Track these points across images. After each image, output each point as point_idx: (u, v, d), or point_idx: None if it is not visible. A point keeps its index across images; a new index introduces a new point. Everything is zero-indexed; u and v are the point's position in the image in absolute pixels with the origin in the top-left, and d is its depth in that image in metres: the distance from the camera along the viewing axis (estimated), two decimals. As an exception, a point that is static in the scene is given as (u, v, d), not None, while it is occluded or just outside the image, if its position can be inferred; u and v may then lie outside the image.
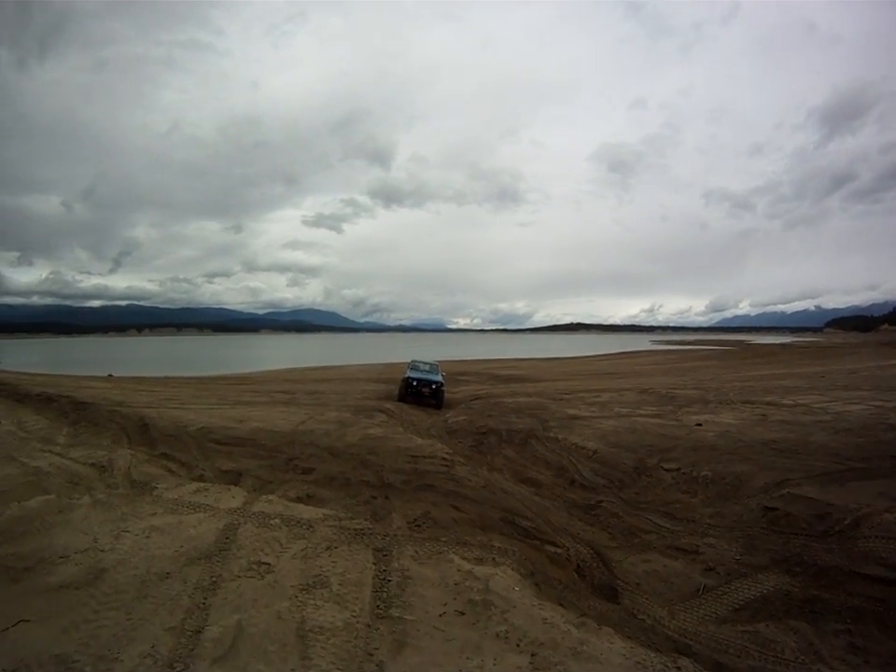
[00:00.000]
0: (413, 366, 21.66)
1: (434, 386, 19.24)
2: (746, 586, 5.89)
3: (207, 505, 6.13)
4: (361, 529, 5.61)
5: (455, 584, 4.43)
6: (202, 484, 7.13)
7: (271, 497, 6.67)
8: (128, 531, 5.12)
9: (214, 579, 4.29)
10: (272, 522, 5.61)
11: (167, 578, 4.29)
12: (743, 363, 47.59)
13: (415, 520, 6.35)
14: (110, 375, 31.09)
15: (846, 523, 6.52)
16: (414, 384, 19.34)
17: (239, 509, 6.04)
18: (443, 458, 9.66)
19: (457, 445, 12.69)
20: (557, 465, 10.57)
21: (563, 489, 9.47)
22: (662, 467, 9.44)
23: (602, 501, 8.60)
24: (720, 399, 17.09)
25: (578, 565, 6.38)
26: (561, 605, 4.60)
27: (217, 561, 4.61)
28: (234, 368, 48.27)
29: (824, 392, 18.02)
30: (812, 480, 7.94)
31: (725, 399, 16.83)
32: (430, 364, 22.48)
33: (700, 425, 12.38)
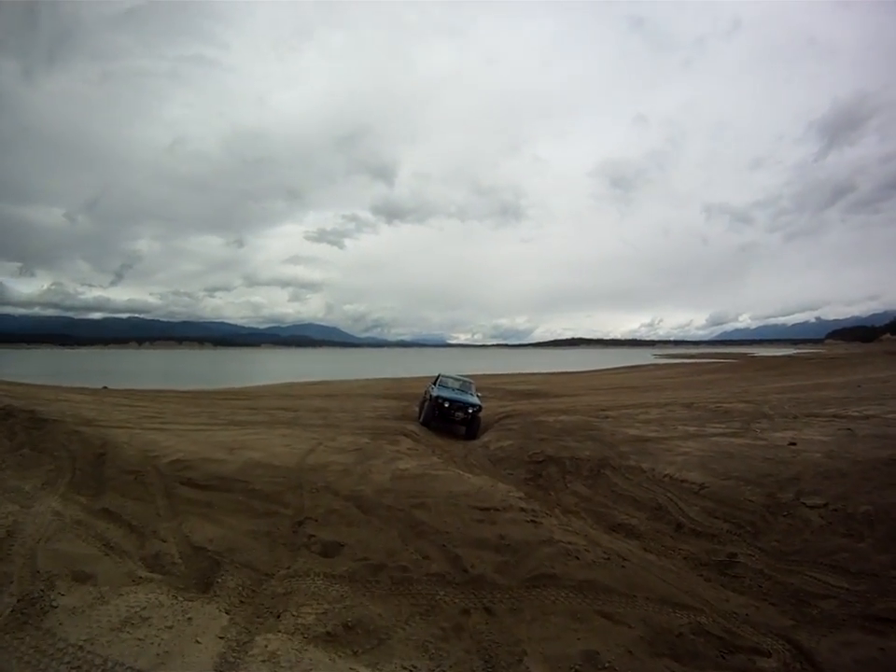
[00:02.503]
0: (442, 382, 17.30)
1: (471, 411, 15.42)
2: None
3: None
4: None
5: None
6: (143, 596, 4.16)
7: (271, 636, 3.67)
8: None
9: None
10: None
11: None
12: (759, 375, 45.49)
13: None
14: (105, 387, 28.73)
15: None
16: (446, 405, 15.41)
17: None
18: (522, 509, 6.83)
19: (508, 478, 9.92)
20: (651, 504, 7.99)
21: (671, 538, 6.97)
22: (803, 503, 7.11)
23: (737, 555, 6.32)
24: (779, 413, 14.36)
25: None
26: None
27: None
28: (233, 382, 46.00)
29: (882, 402, 15.56)
30: None
31: (786, 413, 14.15)
32: (462, 380, 18.23)
33: (794, 444, 9.84)
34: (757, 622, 4.94)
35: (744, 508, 7.31)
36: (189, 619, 3.87)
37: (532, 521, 6.35)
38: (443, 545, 5.55)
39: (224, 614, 4.02)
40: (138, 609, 3.91)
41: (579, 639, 4.04)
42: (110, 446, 8.92)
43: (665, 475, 8.79)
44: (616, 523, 7.54)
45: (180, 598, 4.21)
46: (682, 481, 8.43)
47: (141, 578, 4.51)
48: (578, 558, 5.40)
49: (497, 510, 6.68)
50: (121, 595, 4.14)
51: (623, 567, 5.45)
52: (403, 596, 4.60)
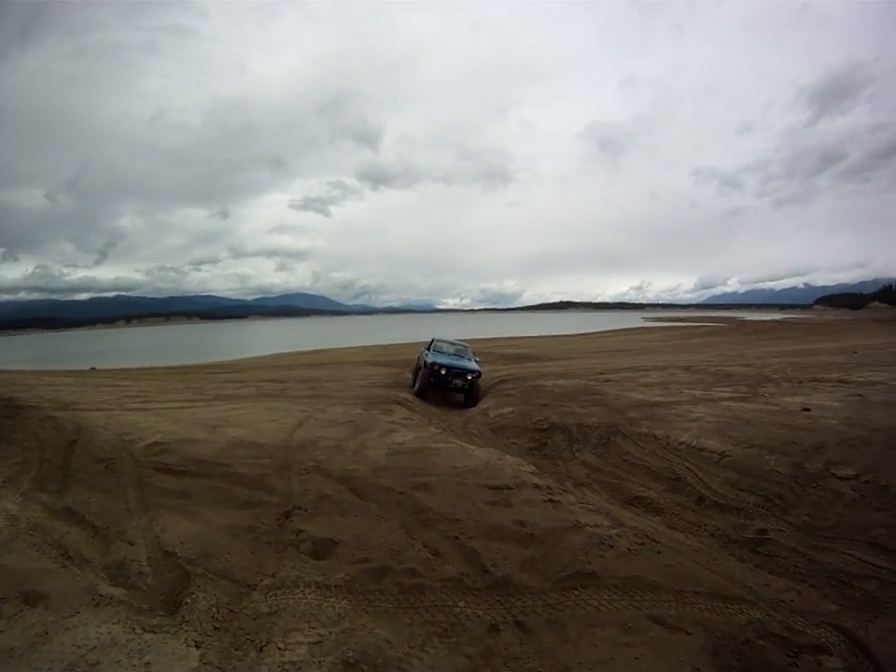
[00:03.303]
0: (437, 347, 16.08)
1: (470, 377, 14.35)
2: None
3: None
4: None
5: None
6: (93, 629, 3.36)
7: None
8: None
9: None
10: None
11: None
12: (751, 339, 45.28)
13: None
14: (93, 368, 28.25)
15: None
16: (442, 372, 14.28)
17: None
18: (536, 485, 6.16)
19: (511, 448, 9.33)
20: (668, 474, 7.36)
21: (693, 513, 6.36)
22: (833, 474, 6.46)
23: (767, 531, 5.74)
24: (783, 377, 13.83)
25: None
26: None
27: None
28: (221, 355, 45.39)
29: (884, 368, 15.12)
30: None
31: (789, 377, 13.63)
32: (458, 345, 16.97)
33: (808, 409, 9.29)
34: (803, 608, 4.41)
35: (770, 479, 6.72)
36: (147, 664, 3.06)
37: (550, 500, 5.67)
38: (455, 537, 4.81)
39: (193, 649, 3.22)
40: (86, 651, 3.12)
41: (637, 659, 3.32)
42: (84, 431, 8.20)
43: (681, 443, 8.18)
44: (633, 496, 6.98)
45: (138, 630, 3.41)
46: (700, 449, 7.82)
47: (101, 596, 3.77)
48: (612, 547, 4.70)
49: (510, 488, 6.00)
50: (68, 628, 3.35)
51: (658, 552, 4.79)
52: (415, 611, 3.78)
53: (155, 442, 7.58)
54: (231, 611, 3.70)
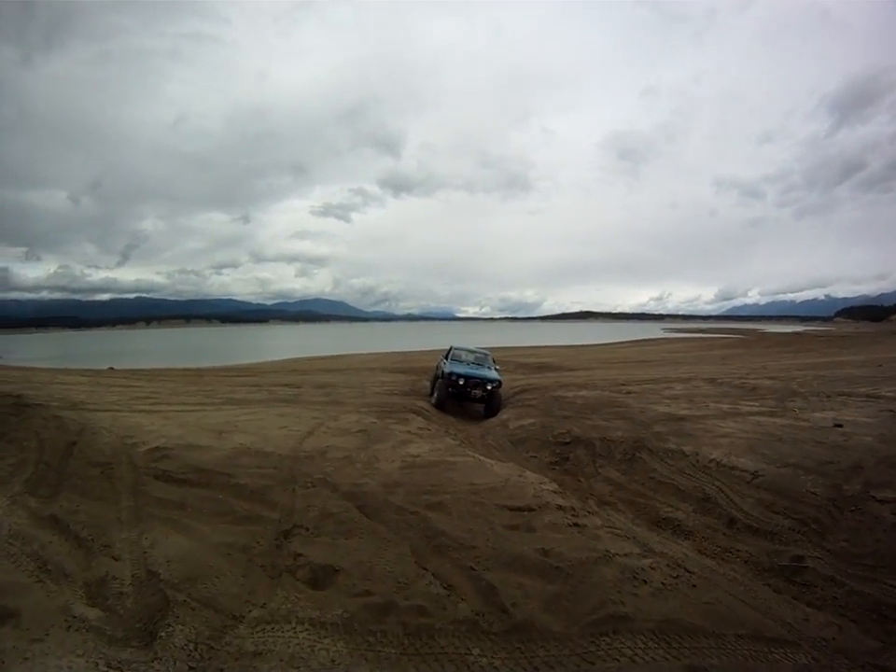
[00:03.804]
0: (455, 356, 15.39)
1: (490, 387, 13.75)
2: None
3: None
4: None
5: None
6: (53, 661, 2.92)
7: None
8: None
9: None
10: None
11: None
12: (773, 351, 44.40)
13: None
14: (111, 368, 28.75)
15: None
16: (461, 383, 13.61)
17: None
18: (559, 507, 5.69)
19: (531, 462, 8.92)
20: (697, 494, 6.90)
21: (724, 536, 5.93)
22: (873, 496, 6.01)
23: (804, 558, 5.33)
24: (809, 391, 13.38)
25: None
26: None
27: None
28: (238, 358, 45.43)
29: None
30: None
31: (816, 391, 13.18)
32: (477, 353, 16.28)
33: (840, 425, 8.85)
34: (846, 647, 3.96)
35: (806, 501, 6.26)
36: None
37: (575, 524, 5.17)
38: (471, 567, 4.27)
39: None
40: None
41: None
42: (86, 433, 7.91)
43: (711, 460, 7.71)
44: (660, 517, 6.54)
45: (103, 666, 2.94)
46: (731, 467, 7.35)
47: (74, 618, 3.35)
48: (646, 582, 4.18)
49: (532, 509, 5.50)
50: (27, 657, 2.91)
51: (693, 586, 4.26)
52: (421, 658, 3.21)
53: (157, 447, 7.26)
54: (212, 648, 3.21)
